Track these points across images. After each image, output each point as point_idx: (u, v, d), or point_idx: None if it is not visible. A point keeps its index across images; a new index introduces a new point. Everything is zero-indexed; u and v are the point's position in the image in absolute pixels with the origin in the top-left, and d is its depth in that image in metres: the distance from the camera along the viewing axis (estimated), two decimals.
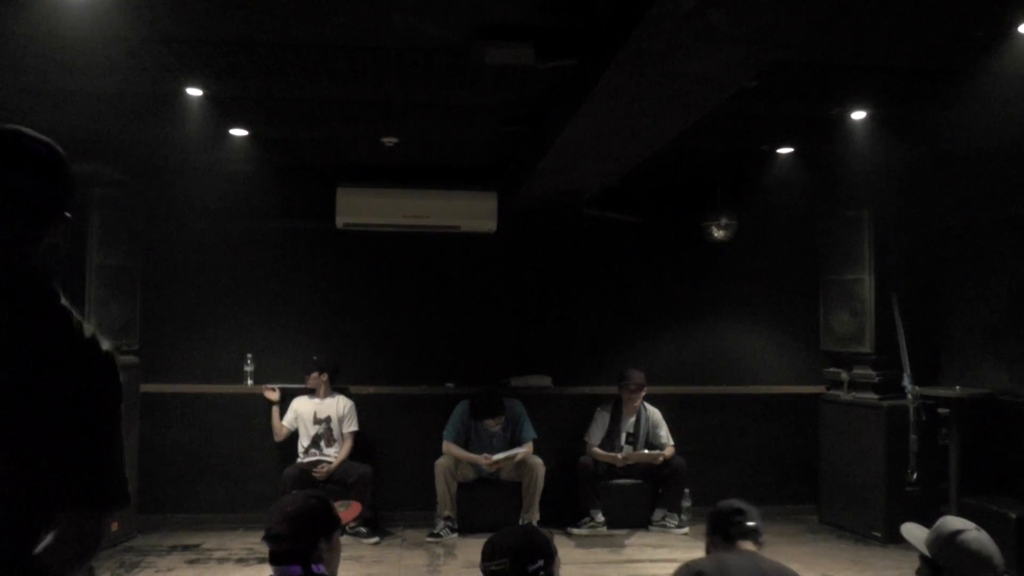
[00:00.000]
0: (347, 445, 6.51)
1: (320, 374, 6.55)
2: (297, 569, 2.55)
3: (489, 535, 2.63)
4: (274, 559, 2.61)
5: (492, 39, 3.68)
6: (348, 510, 3.00)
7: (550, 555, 2.54)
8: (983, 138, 5.51)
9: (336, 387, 6.66)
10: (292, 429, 6.56)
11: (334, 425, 6.54)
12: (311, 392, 6.60)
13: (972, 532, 2.65)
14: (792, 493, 7.10)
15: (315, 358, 6.58)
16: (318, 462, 6.37)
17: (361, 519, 6.18)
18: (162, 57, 4.13)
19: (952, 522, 2.72)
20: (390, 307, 7.14)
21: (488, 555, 2.54)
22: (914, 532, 2.80)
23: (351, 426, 6.56)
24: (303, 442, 6.52)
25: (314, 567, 2.58)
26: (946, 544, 2.63)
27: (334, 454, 6.46)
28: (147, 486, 6.40)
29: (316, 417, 6.53)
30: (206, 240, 6.88)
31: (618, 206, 7.05)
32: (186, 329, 6.84)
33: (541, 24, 3.63)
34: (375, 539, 6.21)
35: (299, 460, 6.43)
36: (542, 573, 2.49)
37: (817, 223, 6.80)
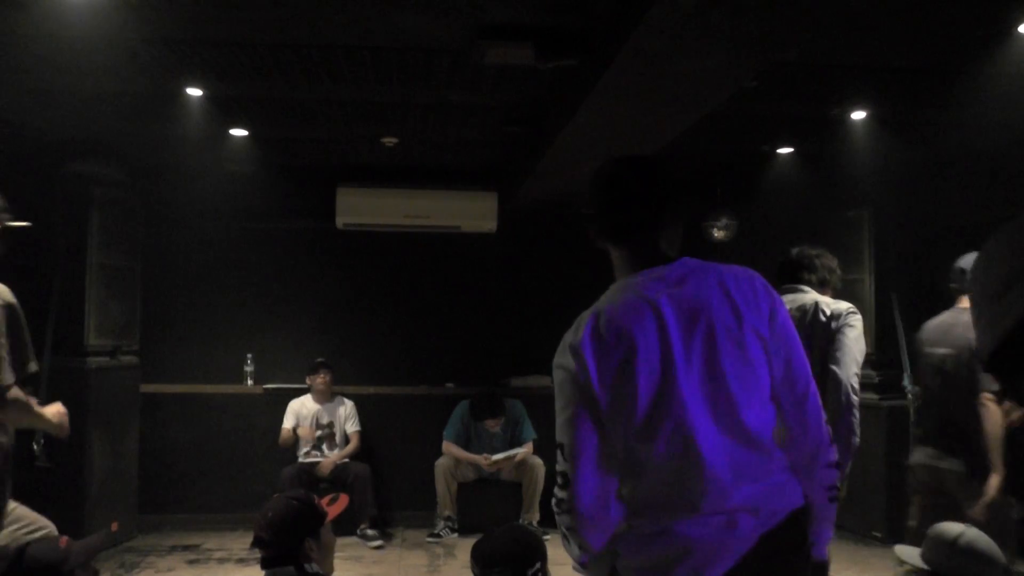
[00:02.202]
0: (353, 444, 6.51)
1: (332, 373, 6.53)
2: (291, 570, 2.55)
3: None
4: (265, 564, 2.61)
5: (492, 39, 3.68)
6: (336, 504, 2.98)
7: (544, 555, 2.55)
8: (983, 138, 5.49)
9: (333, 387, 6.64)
10: (292, 429, 6.53)
11: (337, 429, 6.53)
12: (309, 394, 6.58)
13: (972, 531, 2.57)
14: None
15: (319, 360, 6.56)
16: (319, 462, 6.36)
17: (368, 521, 6.16)
18: (162, 57, 4.13)
19: (945, 528, 2.60)
20: (390, 307, 7.13)
21: (486, 564, 2.51)
22: (906, 552, 2.70)
23: (355, 426, 6.56)
24: (304, 444, 6.51)
25: (307, 567, 2.57)
26: (951, 551, 2.51)
27: (336, 455, 6.45)
28: (147, 486, 6.40)
29: (319, 422, 6.52)
30: (206, 240, 6.88)
31: None
32: (186, 329, 6.83)
33: (541, 24, 3.63)
34: (379, 543, 6.13)
35: (299, 461, 6.42)
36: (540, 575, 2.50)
37: (817, 223, 6.78)
